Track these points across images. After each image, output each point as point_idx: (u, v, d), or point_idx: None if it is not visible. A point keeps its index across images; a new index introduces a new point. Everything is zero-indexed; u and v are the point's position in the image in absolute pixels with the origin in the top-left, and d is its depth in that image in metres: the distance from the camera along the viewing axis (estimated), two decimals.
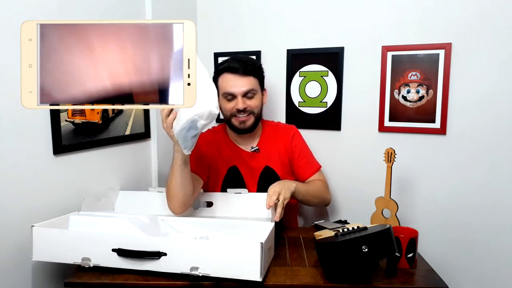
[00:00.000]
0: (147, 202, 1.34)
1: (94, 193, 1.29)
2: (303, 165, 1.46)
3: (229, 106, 1.37)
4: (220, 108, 1.42)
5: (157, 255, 0.92)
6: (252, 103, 1.38)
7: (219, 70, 1.39)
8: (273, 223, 1.10)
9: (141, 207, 1.31)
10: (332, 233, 1.00)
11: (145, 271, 0.94)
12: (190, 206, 1.29)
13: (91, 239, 0.96)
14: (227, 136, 1.49)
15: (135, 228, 0.98)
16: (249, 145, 1.46)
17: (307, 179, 1.44)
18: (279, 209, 1.14)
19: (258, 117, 1.42)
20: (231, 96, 1.36)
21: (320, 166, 1.50)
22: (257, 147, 1.45)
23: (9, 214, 1.05)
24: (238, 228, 1.13)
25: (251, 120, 1.39)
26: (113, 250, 0.94)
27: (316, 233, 1.07)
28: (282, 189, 1.19)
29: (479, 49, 1.42)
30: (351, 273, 0.97)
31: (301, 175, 1.45)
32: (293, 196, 1.25)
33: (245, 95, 1.36)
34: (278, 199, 1.15)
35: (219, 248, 0.90)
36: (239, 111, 1.36)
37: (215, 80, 1.41)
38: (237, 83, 1.35)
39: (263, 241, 0.88)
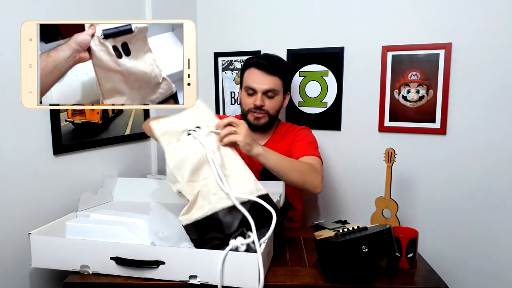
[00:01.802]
0: (145, 189, 1.33)
1: (91, 187, 1.28)
2: (296, 149, 1.36)
3: (249, 101, 1.39)
4: (240, 102, 1.46)
5: (155, 263, 0.92)
6: (270, 103, 1.39)
7: (248, 64, 1.42)
8: (273, 225, 1.09)
9: (140, 195, 1.31)
10: (332, 233, 1.00)
11: (144, 278, 0.94)
12: None
13: (89, 247, 0.95)
14: None
15: (132, 236, 0.98)
16: None
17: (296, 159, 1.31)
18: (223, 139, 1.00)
19: (273, 118, 1.43)
20: (252, 91, 1.38)
21: (319, 156, 1.34)
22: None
23: (9, 214, 1.05)
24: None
25: (265, 119, 1.40)
26: (111, 258, 0.94)
27: (316, 233, 1.07)
28: (242, 140, 1.00)
29: (479, 49, 1.42)
30: (351, 273, 0.97)
31: (293, 154, 1.35)
32: (259, 160, 1.08)
33: (266, 93, 1.38)
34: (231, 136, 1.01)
35: (217, 257, 0.89)
36: (256, 107, 1.37)
37: (242, 72, 1.44)
38: (261, 80, 1.36)
39: (261, 252, 0.88)
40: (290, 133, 1.47)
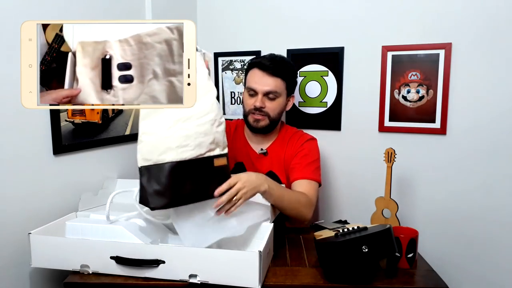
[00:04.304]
0: None
1: (91, 187, 1.28)
2: (297, 166, 1.37)
3: (250, 102, 1.38)
4: (242, 102, 1.46)
5: (155, 263, 0.92)
6: (271, 105, 1.37)
7: (251, 64, 1.41)
8: (272, 224, 1.09)
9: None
10: (332, 233, 1.00)
11: (144, 277, 0.94)
12: None
13: (89, 247, 0.96)
14: (243, 131, 1.51)
15: (132, 235, 0.98)
16: (259, 147, 1.45)
17: (294, 181, 1.35)
18: (230, 207, 1.00)
19: (274, 121, 1.40)
20: (253, 92, 1.37)
21: (318, 181, 1.36)
22: (265, 150, 1.44)
23: (9, 214, 1.05)
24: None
25: (265, 121, 1.38)
26: (111, 257, 0.94)
27: (316, 233, 1.07)
28: (246, 187, 1.02)
29: (479, 49, 1.42)
30: (351, 273, 0.97)
31: (291, 174, 1.38)
32: (263, 196, 1.11)
33: (267, 95, 1.36)
34: (234, 197, 1.00)
35: (217, 256, 0.90)
36: (255, 108, 1.36)
37: (246, 72, 1.43)
38: (262, 81, 1.35)
39: (261, 249, 0.88)
40: (296, 141, 1.44)
